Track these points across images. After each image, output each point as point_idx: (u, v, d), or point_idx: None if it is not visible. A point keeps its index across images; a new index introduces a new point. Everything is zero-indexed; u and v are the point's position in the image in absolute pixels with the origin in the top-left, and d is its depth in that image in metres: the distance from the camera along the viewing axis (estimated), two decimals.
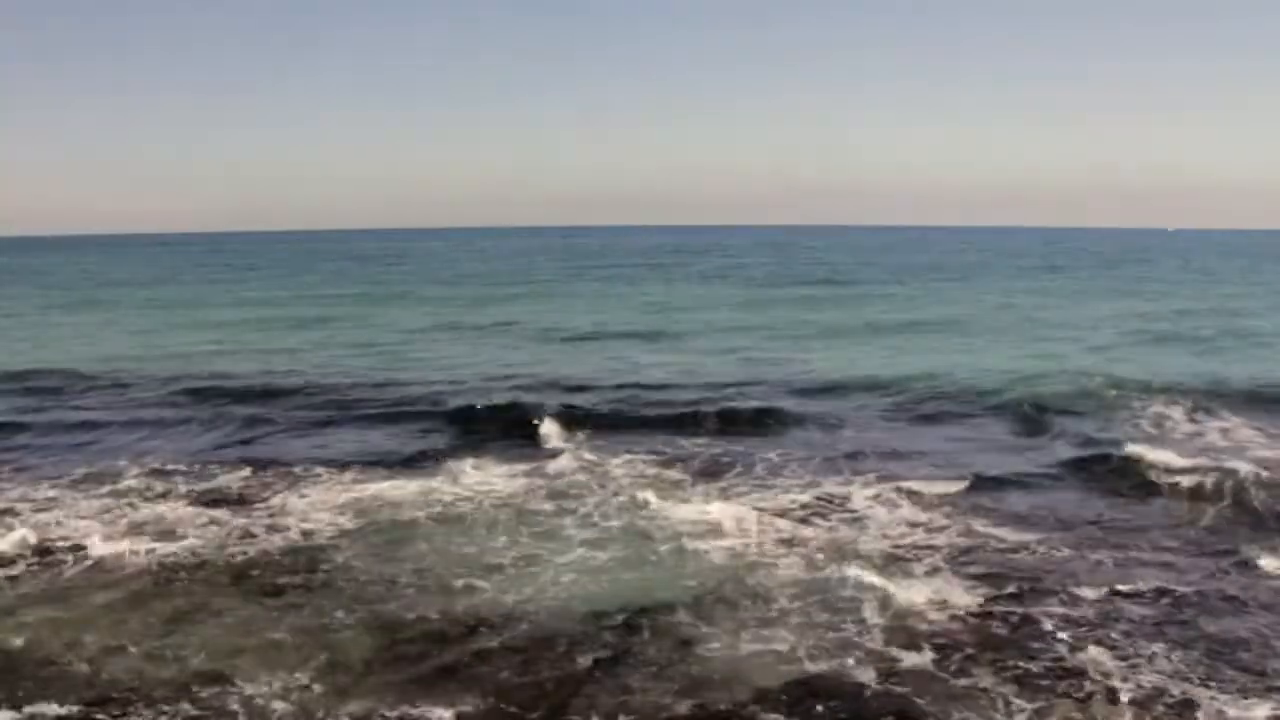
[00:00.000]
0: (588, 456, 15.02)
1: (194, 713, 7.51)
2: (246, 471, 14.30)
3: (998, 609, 9.24)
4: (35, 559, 10.73)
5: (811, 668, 8.10)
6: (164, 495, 13.17)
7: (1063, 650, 8.37)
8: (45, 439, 16.76)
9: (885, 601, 9.26)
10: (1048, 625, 8.87)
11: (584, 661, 8.27)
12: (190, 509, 12.45)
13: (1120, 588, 9.73)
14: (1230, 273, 65.45)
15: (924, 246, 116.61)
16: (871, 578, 9.71)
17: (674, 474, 14.15)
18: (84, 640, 8.69)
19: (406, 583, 10.07)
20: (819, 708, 7.48)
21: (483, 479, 13.82)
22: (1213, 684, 7.81)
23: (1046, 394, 19.45)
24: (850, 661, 8.19)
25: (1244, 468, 13.49)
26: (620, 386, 20.91)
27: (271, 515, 12.23)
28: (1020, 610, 9.20)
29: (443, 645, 8.62)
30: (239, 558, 10.77)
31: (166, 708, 7.56)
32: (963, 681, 7.87)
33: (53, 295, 50.64)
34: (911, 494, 12.96)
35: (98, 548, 10.92)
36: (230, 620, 9.18)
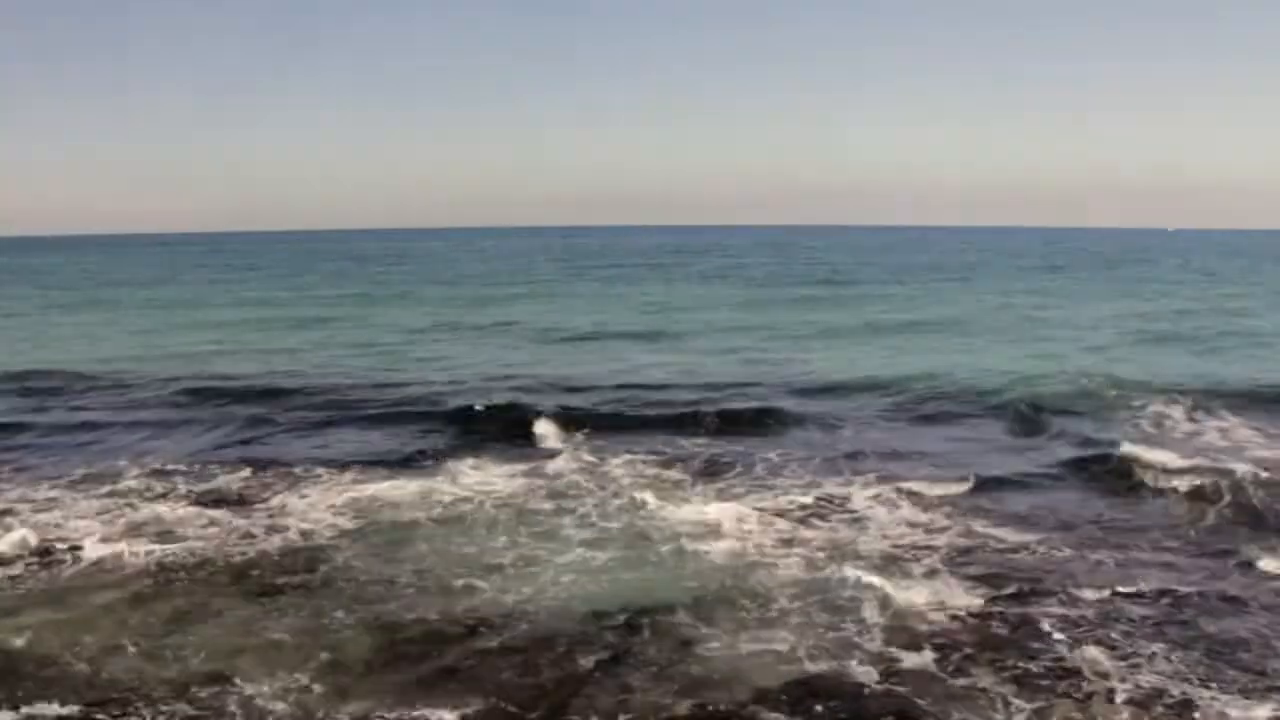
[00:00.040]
0: (587, 457, 15.02)
1: (193, 713, 7.52)
2: (246, 472, 14.30)
3: (997, 609, 9.25)
4: (35, 559, 10.73)
5: (811, 668, 8.10)
6: (164, 496, 13.17)
7: (1062, 650, 8.38)
8: (45, 439, 16.76)
9: (885, 602, 9.27)
10: (1047, 625, 8.87)
11: (584, 662, 8.27)
12: (190, 509, 12.45)
13: (1120, 588, 9.74)
14: (1230, 273, 65.47)
15: (924, 246, 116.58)
16: (871, 578, 9.72)
17: (674, 474, 14.15)
18: (84, 640, 8.70)
19: (406, 583, 10.07)
20: (819, 708, 7.48)
21: (482, 479, 13.81)
22: (1212, 684, 7.81)
23: (1046, 394, 19.46)
24: (850, 662, 8.19)
25: (1243, 468, 13.51)
26: (620, 387, 20.92)
27: (271, 516, 12.24)
28: (1020, 610, 9.21)
29: (442, 646, 8.62)
30: (239, 558, 10.78)
31: (166, 708, 7.57)
32: (962, 681, 7.88)
33: (53, 295, 50.66)
34: (911, 494, 12.96)
35: (98, 548, 10.93)
36: (230, 620, 9.18)
